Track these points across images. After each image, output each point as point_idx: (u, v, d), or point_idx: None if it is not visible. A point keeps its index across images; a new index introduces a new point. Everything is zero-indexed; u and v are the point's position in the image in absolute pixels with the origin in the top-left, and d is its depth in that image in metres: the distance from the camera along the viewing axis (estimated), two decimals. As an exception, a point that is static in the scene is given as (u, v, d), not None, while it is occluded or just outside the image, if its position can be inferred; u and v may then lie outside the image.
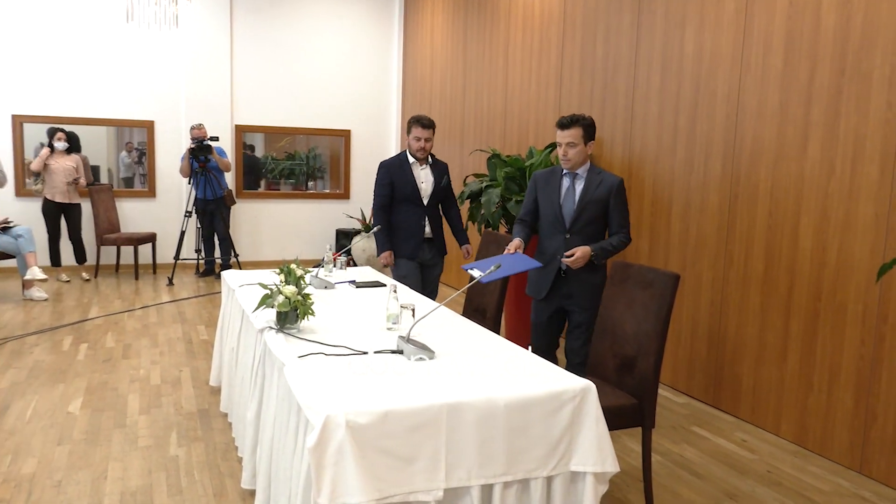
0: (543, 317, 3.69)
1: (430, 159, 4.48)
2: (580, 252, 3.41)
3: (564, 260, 3.45)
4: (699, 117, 4.30)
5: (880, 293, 3.27)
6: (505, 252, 3.42)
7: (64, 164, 7.35)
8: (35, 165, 7.26)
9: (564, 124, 3.48)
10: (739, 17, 4.00)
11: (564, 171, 3.58)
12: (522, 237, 3.60)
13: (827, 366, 3.53)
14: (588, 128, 3.49)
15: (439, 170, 4.52)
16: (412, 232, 4.42)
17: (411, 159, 4.43)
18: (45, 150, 7.28)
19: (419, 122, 4.33)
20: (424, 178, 4.45)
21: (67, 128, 7.54)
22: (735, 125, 4.04)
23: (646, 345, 2.84)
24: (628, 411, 2.80)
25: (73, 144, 7.54)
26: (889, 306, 3.23)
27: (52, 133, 7.39)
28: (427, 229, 4.45)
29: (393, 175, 4.43)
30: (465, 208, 6.25)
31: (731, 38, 4.06)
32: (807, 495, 3.14)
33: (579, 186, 3.54)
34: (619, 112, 5.00)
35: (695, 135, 4.33)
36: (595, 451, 2.21)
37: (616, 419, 2.72)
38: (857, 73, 3.35)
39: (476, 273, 2.91)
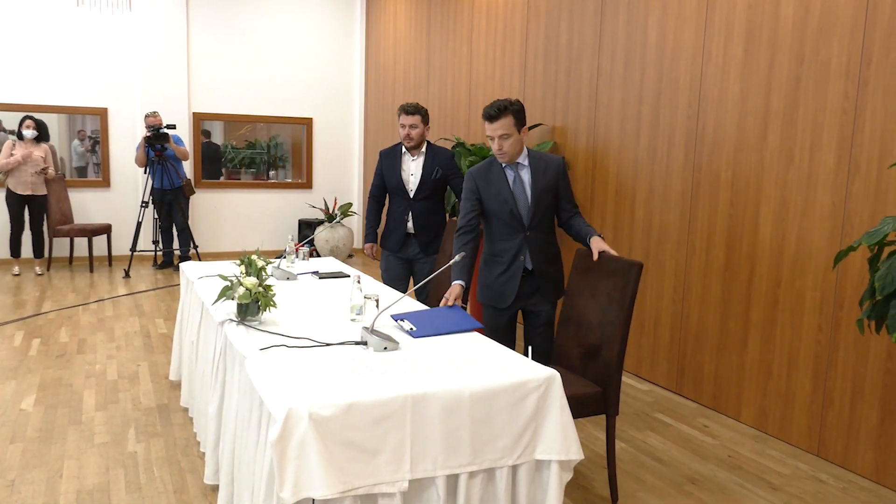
0: (503, 323, 3.30)
1: (424, 148, 4.21)
2: (601, 241, 3.07)
3: (608, 251, 2.99)
4: (662, 106, 4.32)
5: (837, 280, 3.34)
6: (443, 303, 2.94)
7: (32, 155, 6.99)
8: (2, 165, 6.87)
9: (493, 115, 3.02)
10: (701, 6, 4.03)
11: (504, 164, 3.19)
12: (465, 274, 3.08)
13: (786, 352, 3.60)
14: (518, 113, 3.06)
15: (435, 160, 4.19)
16: (395, 225, 4.26)
17: (404, 149, 4.22)
18: (9, 142, 6.92)
19: (403, 109, 4.13)
20: (414, 170, 4.18)
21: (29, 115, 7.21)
22: (697, 114, 4.08)
23: (609, 333, 2.86)
24: (592, 399, 2.81)
25: (42, 133, 7.19)
26: (845, 293, 3.30)
27: (20, 121, 7.04)
28: (409, 224, 4.22)
29: (384, 164, 4.27)
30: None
31: (693, 28, 4.09)
32: (766, 478, 3.20)
33: (527, 176, 3.17)
34: (582, 100, 5.01)
35: (658, 123, 4.36)
36: (560, 439, 2.22)
37: (580, 407, 2.73)
38: (815, 62, 3.40)
39: (407, 325, 2.68)
